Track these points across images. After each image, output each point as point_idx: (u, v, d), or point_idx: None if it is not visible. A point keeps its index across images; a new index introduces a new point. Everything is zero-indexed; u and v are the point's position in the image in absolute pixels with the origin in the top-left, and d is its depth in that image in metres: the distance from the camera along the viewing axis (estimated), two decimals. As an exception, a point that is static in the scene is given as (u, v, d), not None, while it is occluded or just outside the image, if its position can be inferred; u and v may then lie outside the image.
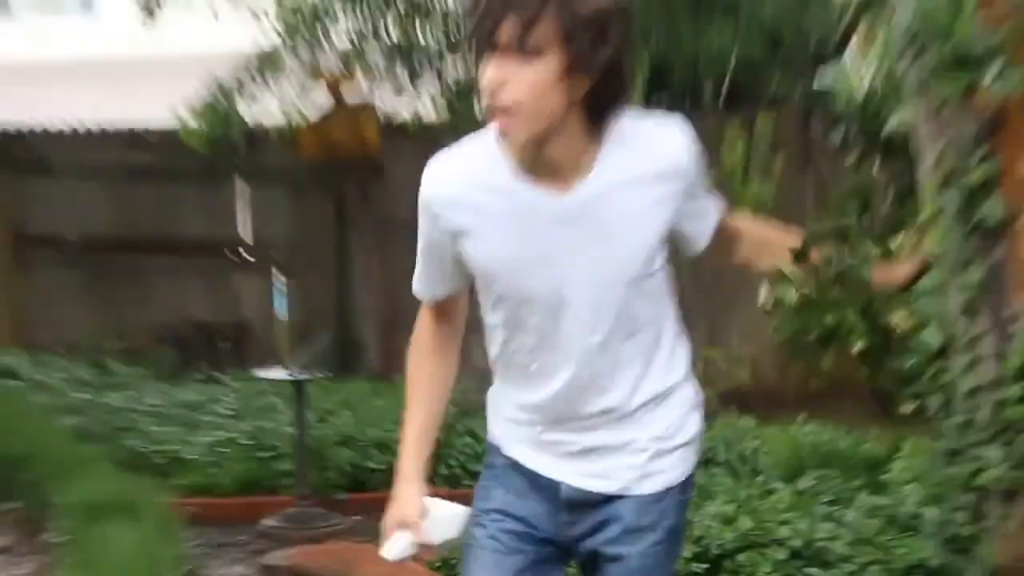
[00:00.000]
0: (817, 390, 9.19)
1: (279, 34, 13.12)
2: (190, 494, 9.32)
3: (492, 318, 3.41)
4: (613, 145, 3.21)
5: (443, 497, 3.55)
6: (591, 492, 3.42)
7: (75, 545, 7.63)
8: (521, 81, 3.05)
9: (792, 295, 8.37)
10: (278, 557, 8.05)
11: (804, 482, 7.32)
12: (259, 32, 13.13)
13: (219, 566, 8.44)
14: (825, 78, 8.20)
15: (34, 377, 12.77)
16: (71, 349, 13.83)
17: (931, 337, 6.83)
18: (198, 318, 14.62)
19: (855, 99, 7.71)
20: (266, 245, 14.49)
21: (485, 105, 3.12)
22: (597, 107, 3.15)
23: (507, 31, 3.02)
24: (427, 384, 3.57)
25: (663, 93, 13.97)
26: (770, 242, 3.85)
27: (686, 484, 3.52)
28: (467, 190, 3.26)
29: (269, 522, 8.92)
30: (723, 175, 10.41)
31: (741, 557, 6.55)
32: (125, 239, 14.96)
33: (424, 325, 3.58)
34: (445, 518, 3.50)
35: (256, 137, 13.99)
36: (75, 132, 15.52)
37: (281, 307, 13.96)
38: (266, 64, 13.16)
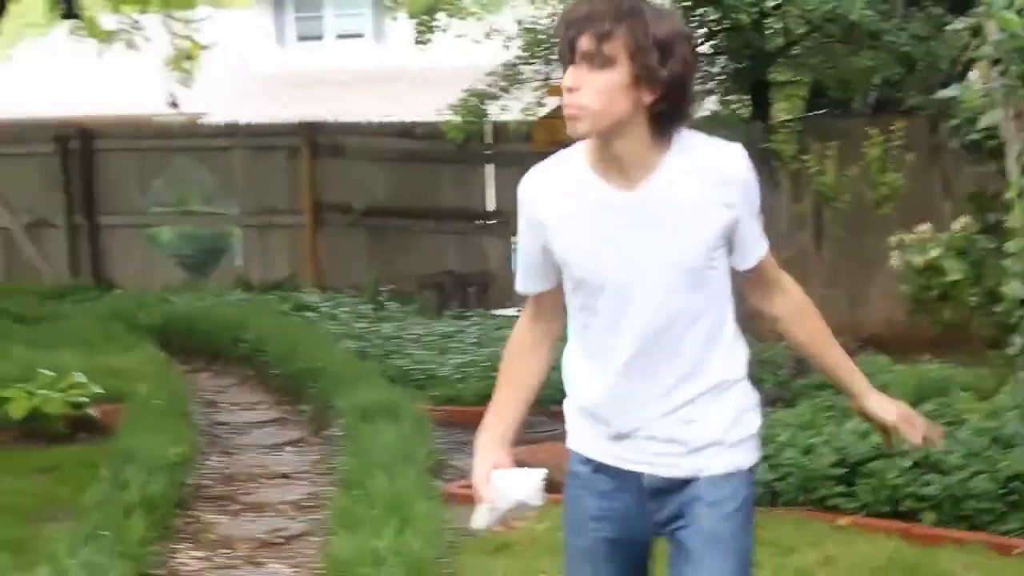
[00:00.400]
0: (938, 336, 8.91)
1: (520, 52, 13.09)
2: (441, 403, 9.33)
3: (572, 304, 3.06)
4: (678, 150, 2.92)
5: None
6: (669, 478, 3.01)
7: (351, 439, 7.65)
8: (592, 86, 2.82)
9: (919, 259, 8.17)
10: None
11: (926, 407, 7.06)
12: (505, 51, 13.12)
13: (461, 458, 8.40)
14: (949, 92, 7.97)
15: (326, 310, 12.94)
16: (355, 290, 13.96)
17: (1017, 290, 6.60)
18: (452, 269, 14.63)
19: (972, 107, 7.53)
20: (506, 214, 14.43)
21: (563, 104, 2.87)
22: (662, 116, 2.87)
23: (585, 43, 2.82)
24: (510, 384, 3.22)
25: (821, 102, 13.70)
26: (808, 314, 3.17)
27: (752, 469, 3.07)
28: (551, 189, 3.00)
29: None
30: (866, 167, 10.21)
31: (873, 465, 6.39)
32: (398, 207, 15.05)
33: (520, 324, 3.22)
34: (518, 484, 3.01)
35: (499, 130, 14.00)
36: (363, 125, 15.65)
37: (514, 261, 13.92)
38: (510, 75, 13.13)
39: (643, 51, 2.82)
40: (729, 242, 2.98)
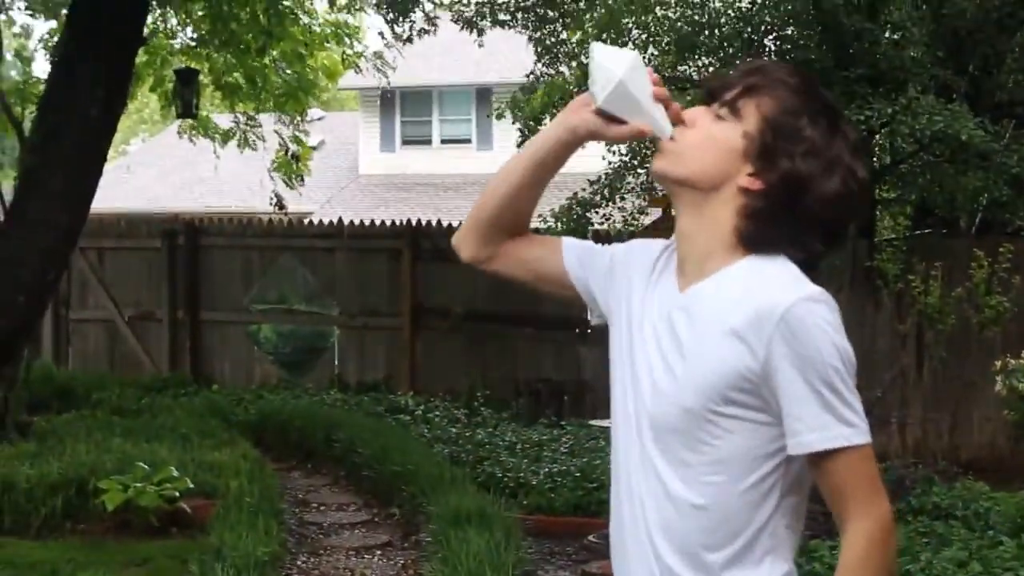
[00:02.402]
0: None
1: (624, 158, 13.20)
2: (531, 512, 9.25)
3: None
4: (745, 266, 2.34)
5: None
6: None
7: (440, 545, 7.62)
8: (706, 129, 2.39)
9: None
10: (596, 567, 7.93)
11: (1026, 539, 6.92)
12: (610, 157, 13.21)
13: (551, 570, 8.36)
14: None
15: (421, 413, 12.97)
16: (450, 394, 13.99)
17: None
18: (548, 376, 14.61)
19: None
20: (603, 324, 14.41)
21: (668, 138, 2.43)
22: (754, 216, 2.33)
23: (727, 86, 2.40)
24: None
25: (927, 221, 13.61)
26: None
27: None
28: (645, 257, 2.52)
29: (592, 538, 8.78)
30: (971, 288, 10.11)
31: (971, 595, 6.25)
32: (496, 313, 15.08)
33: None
34: (618, 57, 2.44)
35: (600, 238, 14.01)
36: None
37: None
38: (613, 184, 13.22)
39: (777, 128, 2.34)
40: (771, 412, 2.27)
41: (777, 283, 2.28)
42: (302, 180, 15.85)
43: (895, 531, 2.30)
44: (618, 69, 2.41)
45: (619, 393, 2.46)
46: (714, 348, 2.28)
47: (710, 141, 2.38)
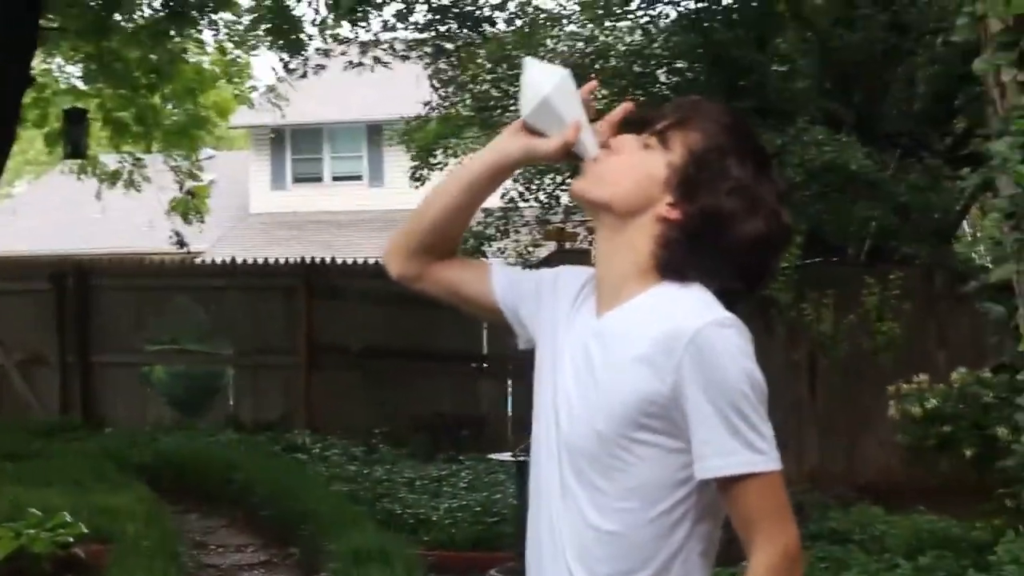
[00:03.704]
0: (933, 488, 8.89)
1: (519, 194, 13.26)
2: (432, 548, 9.22)
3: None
4: (659, 293, 2.34)
5: None
6: None
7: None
8: (630, 155, 2.40)
9: (917, 409, 8.19)
10: (501, 600, 7.92)
11: (923, 560, 7.02)
12: (502, 192, 13.25)
13: (453, 605, 8.34)
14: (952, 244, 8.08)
15: (318, 451, 12.90)
16: (348, 432, 13.91)
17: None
18: (446, 411, 14.59)
19: (972, 259, 7.63)
20: (500, 357, 14.45)
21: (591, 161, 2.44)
22: (671, 246, 2.34)
23: (658, 116, 2.42)
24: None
25: (817, 251, 13.82)
26: None
27: None
28: (572, 284, 2.52)
29: (494, 573, 8.76)
30: (863, 316, 10.28)
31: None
32: (393, 349, 15.05)
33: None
34: (548, 74, 2.47)
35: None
36: (360, 267, 15.74)
37: (509, 405, 13.97)
38: (507, 215, 13.28)
39: (702, 162, 2.35)
40: (682, 438, 2.27)
41: (687, 308, 2.29)
42: (202, 218, 15.73)
43: (801, 559, 2.28)
44: (546, 85, 2.45)
45: (541, 420, 2.46)
46: (625, 374, 2.29)
47: (633, 168, 2.40)
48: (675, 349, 2.24)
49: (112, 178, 15.94)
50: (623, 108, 2.52)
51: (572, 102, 2.46)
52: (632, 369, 2.28)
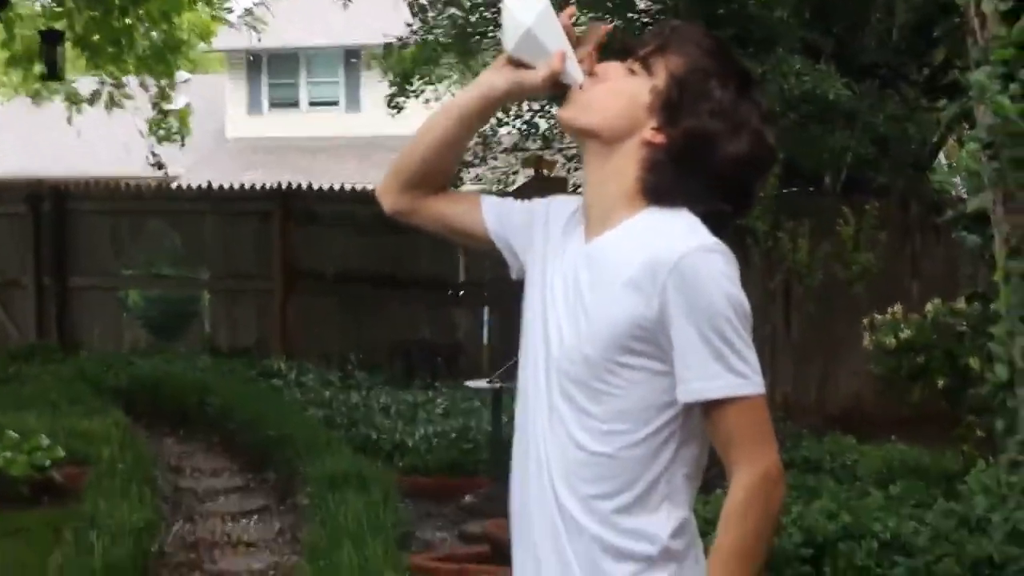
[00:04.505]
0: (905, 417, 8.96)
1: (496, 120, 13.21)
2: (408, 473, 9.26)
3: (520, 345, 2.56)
4: (646, 218, 2.38)
5: None
6: None
7: (317, 508, 7.61)
8: (616, 82, 2.44)
9: (891, 339, 8.23)
10: (475, 526, 7.96)
11: (894, 489, 7.08)
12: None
13: (428, 530, 8.39)
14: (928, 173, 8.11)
15: (294, 377, 12.92)
16: (324, 357, 13.94)
17: (1001, 372, 6.67)
18: (422, 338, 14.62)
19: (948, 190, 7.65)
20: (477, 284, 14.47)
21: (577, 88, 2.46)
22: (657, 169, 2.38)
23: (642, 43, 2.46)
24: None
25: (793, 181, 13.83)
26: (725, 522, 2.29)
27: None
28: (563, 213, 2.55)
29: (468, 498, 8.82)
30: (838, 245, 10.30)
31: (841, 545, 6.39)
32: (370, 275, 15.04)
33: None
34: (520, 6, 2.47)
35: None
36: (337, 192, 15.70)
37: (485, 333, 14.00)
38: (487, 140, 13.24)
39: (684, 85, 2.39)
40: (668, 361, 2.31)
41: (673, 233, 2.32)
42: (182, 140, 15.61)
43: (781, 483, 2.33)
44: (527, 16, 2.46)
45: (530, 344, 2.49)
46: (612, 298, 2.33)
47: (618, 93, 2.43)
48: (660, 273, 2.28)
49: (91, 100, 15.79)
50: (600, 31, 2.53)
51: (554, 31, 2.47)
52: (620, 293, 2.32)
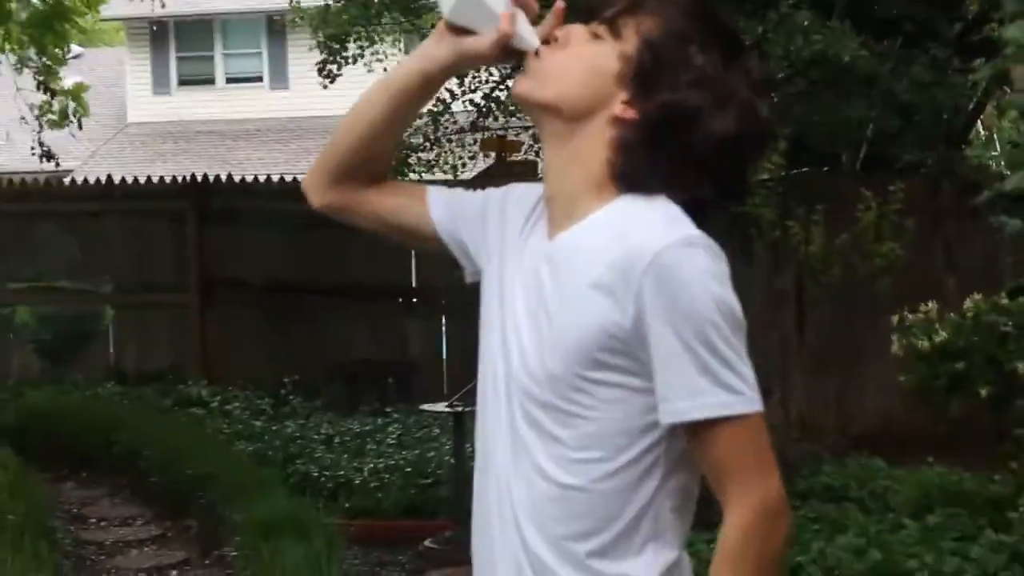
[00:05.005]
0: (944, 434, 9.00)
1: (450, 94, 13.24)
2: (355, 516, 9.27)
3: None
4: (618, 210, 2.35)
5: None
6: None
7: (249, 560, 7.61)
8: (580, 50, 2.40)
9: (925, 343, 8.28)
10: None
11: (932, 519, 7.13)
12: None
13: (380, 583, 8.42)
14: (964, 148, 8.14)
15: (217, 406, 12.91)
16: (252, 381, 13.93)
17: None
18: (367, 356, 14.62)
19: (987, 166, 7.67)
20: (431, 291, 14.49)
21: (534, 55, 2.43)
22: (628, 150, 2.35)
23: (608, 2, 2.40)
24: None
25: (804, 159, 13.92)
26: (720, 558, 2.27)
27: None
28: (524, 203, 2.55)
29: (428, 543, 8.84)
30: (858, 235, 10.34)
31: (871, 586, 6.44)
32: (303, 283, 15.03)
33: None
34: None
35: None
36: (261, 186, 15.70)
37: (443, 348, 14.01)
38: (436, 122, 13.26)
39: (659, 52, 2.35)
40: (647, 376, 2.28)
41: (649, 225, 2.28)
42: (79, 122, 15.50)
43: (784, 516, 2.29)
44: None
45: (488, 362, 2.48)
46: (578, 304, 2.29)
47: (580, 62, 2.40)
48: (634, 273, 2.23)
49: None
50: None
51: None
52: (587, 298, 2.28)
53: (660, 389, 2.25)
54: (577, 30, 2.43)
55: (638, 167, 2.35)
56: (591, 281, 2.29)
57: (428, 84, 2.59)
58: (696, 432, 2.25)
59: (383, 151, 2.70)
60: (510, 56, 2.47)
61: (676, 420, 2.25)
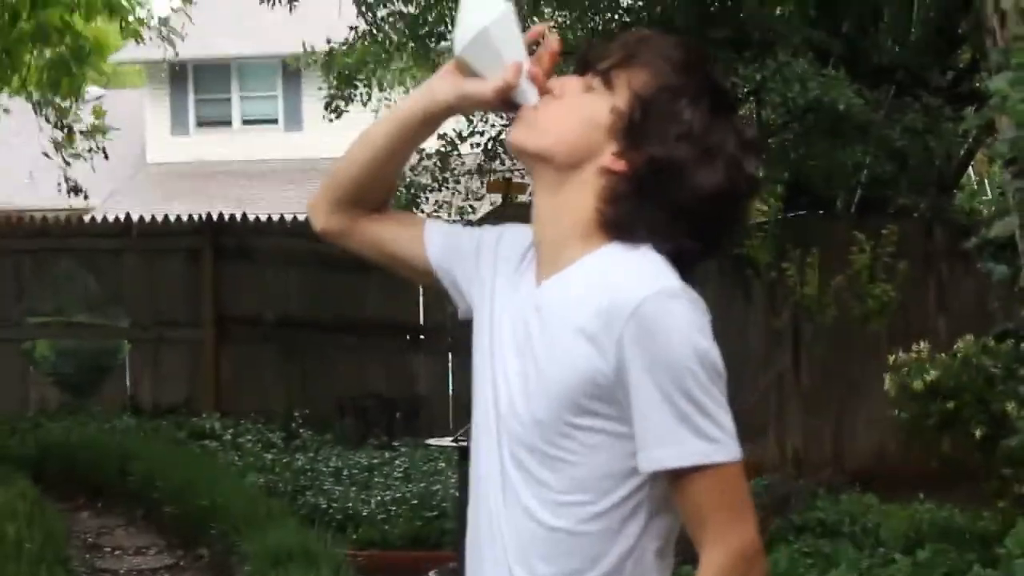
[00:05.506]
0: (935, 471, 8.99)
1: (457, 135, 13.26)
2: (363, 547, 9.28)
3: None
4: (603, 257, 2.36)
5: None
6: None
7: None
8: (571, 99, 2.42)
9: (918, 383, 8.27)
10: (441, 606, 7.97)
11: (922, 554, 7.12)
12: (440, 133, 13.26)
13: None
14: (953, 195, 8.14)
15: (230, 438, 12.90)
16: (264, 415, 13.92)
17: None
18: (376, 391, 14.60)
19: (978, 212, 7.66)
20: (439, 328, 14.49)
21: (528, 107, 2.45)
22: (618, 202, 2.36)
23: (604, 55, 2.42)
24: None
25: (799, 203, 13.95)
26: None
27: None
28: (516, 245, 2.54)
29: (433, 574, 8.82)
30: (852, 276, 10.34)
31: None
32: (314, 320, 15.03)
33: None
34: (480, 5, 2.49)
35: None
36: (275, 224, 15.71)
37: (449, 384, 14.00)
38: (445, 162, 13.27)
39: (649, 106, 2.36)
40: (630, 422, 2.28)
41: (633, 275, 2.29)
42: (105, 153, 15.48)
43: (759, 562, 2.29)
44: (486, 17, 2.46)
45: (480, 401, 2.49)
46: (563, 351, 2.30)
47: (573, 113, 2.41)
48: (616, 321, 2.25)
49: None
50: (553, 44, 2.50)
51: (513, 40, 2.47)
52: (571, 345, 2.29)
53: (640, 436, 2.26)
54: (572, 82, 2.45)
55: (626, 217, 2.36)
56: (576, 327, 2.30)
57: (428, 121, 2.60)
58: (674, 479, 2.26)
59: (385, 180, 2.70)
60: (509, 106, 2.48)
61: (654, 468, 2.26)
